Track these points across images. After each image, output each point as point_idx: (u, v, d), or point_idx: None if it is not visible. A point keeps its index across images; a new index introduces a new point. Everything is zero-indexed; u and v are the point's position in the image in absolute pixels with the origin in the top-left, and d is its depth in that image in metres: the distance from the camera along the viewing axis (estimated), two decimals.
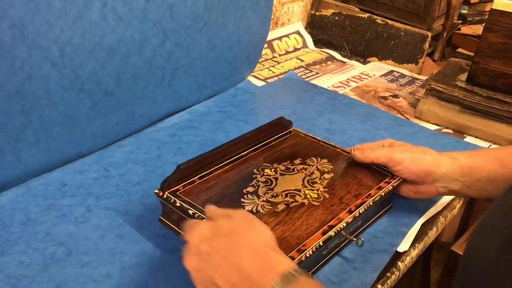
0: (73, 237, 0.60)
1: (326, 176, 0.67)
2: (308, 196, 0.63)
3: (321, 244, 0.55)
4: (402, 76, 1.19)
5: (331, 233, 0.56)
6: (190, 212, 0.58)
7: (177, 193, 0.61)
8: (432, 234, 0.70)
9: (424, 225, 0.69)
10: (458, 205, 0.76)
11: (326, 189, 0.64)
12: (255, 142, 0.73)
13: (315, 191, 0.64)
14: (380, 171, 0.68)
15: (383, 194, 0.64)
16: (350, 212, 0.60)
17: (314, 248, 0.54)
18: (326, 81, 1.12)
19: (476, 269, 0.47)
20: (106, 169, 0.73)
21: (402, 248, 0.64)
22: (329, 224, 0.58)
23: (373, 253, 0.62)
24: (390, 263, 0.62)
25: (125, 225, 0.63)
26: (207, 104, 0.94)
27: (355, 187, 0.65)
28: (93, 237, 0.61)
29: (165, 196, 0.60)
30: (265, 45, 1.18)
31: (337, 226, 0.57)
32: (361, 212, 0.61)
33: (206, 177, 0.65)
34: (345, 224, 0.58)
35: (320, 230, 0.56)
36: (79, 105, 0.69)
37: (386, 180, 0.66)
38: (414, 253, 0.66)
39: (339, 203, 0.62)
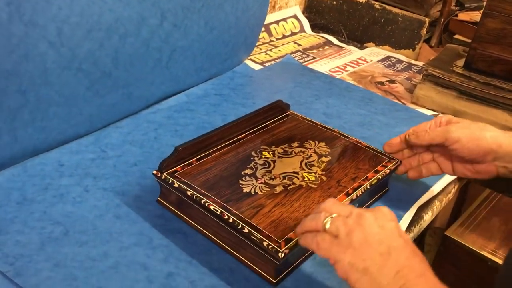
0: (70, 216, 0.60)
1: (324, 159, 0.67)
2: (306, 178, 0.63)
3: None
4: (399, 61, 1.18)
5: None
6: (189, 193, 0.58)
7: (175, 174, 0.61)
8: (428, 218, 0.71)
9: (419, 209, 0.69)
10: (453, 190, 0.77)
11: (323, 172, 0.64)
12: (253, 125, 0.72)
13: (313, 174, 0.64)
14: (377, 154, 0.69)
15: (380, 177, 0.64)
16: (348, 194, 0.60)
17: None
18: (323, 66, 1.12)
19: None
20: (103, 150, 0.73)
21: None
22: None
23: None
24: None
25: (123, 206, 0.63)
26: (204, 87, 0.93)
27: (353, 170, 0.65)
28: (91, 217, 0.61)
29: (163, 177, 0.60)
30: (262, 29, 1.17)
31: None
32: (358, 194, 0.61)
33: (204, 159, 0.65)
34: None
35: None
36: (76, 85, 0.69)
37: (383, 163, 0.67)
38: (410, 236, 0.66)
39: (337, 186, 0.62)
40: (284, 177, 0.63)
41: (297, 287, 0.54)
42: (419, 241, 1.21)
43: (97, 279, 0.52)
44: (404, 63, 1.18)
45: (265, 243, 0.51)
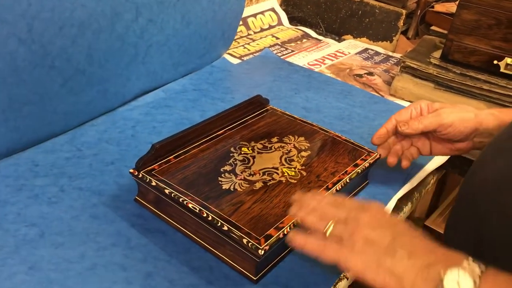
0: (46, 217, 0.59)
1: (303, 154, 0.67)
2: (286, 174, 0.63)
3: (298, 221, 0.55)
4: (377, 54, 1.19)
5: None
6: (167, 191, 0.57)
7: (153, 172, 0.60)
8: (407, 209, 0.71)
9: (399, 200, 0.70)
10: (432, 181, 0.78)
11: (303, 167, 0.64)
12: (231, 121, 0.72)
13: (292, 169, 0.64)
14: (356, 148, 0.69)
15: (359, 171, 0.64)
16: (328, 189, 0.60)
17: (292, 225, 0.54)
18: (301, 59, 1.11)
19: (478, 190, 0.51)
20: (79, 148, 0.72)
21: None
22: None
23: None
24: None
25: (100, 206, 0.62)
26: (182, 82, 0.92)
27: (332, 164, 0.65)
28: (67, 217, 0.59)
29: (140, 175, 0.59)
30: (240, 22, 1.16)
31: None
32: (338, 189, 0.61)
33: (182, 156, 0.64)
34: None
35: None
36: (50, 83, 0.67)
37: (363, 157, 0.67)
38: None
39: (316, 181, 0.62)
40: (263, 173, 0.62)
41: (277, 283, 0.54)
42: None
43: (74, 281, 0.51)
44: (382, 55, 1.18)
45: (244, 240, 0.51)
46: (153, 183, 0.58)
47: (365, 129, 0.84)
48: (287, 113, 0.76)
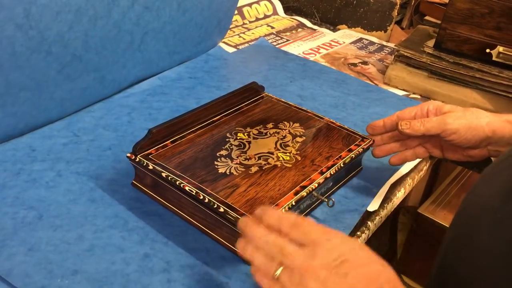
0: (44, 201, 0.60)
1: (298, 139, 0.68)
2: (281, 158, 0.63)
3: (294, 203, 0.56)
4: (371, 43, 1.20)
5: (303, 193, 0.57)
6: (163, 174, 0.58)
7: (150, 156, 0.61)
8: (400, 195, 0.72)
9: (392, 186, 0.71)
10: (425, 168, 0.79)
11: (298, 152, 0.65)
12: (227, 107, 0.73)
13: (288, 154, 0.64)
14: (350, 134, 0.70)
15: (353, 156, 0.65)
16: (322, 173, 0.61)
17: (286, 208, 0.55)
18: (296, 48, 1.12)
19: (474, 216, 0.48)
20: (76, 134, 0.72)
21: (372, 207, 0.65)
22: (301, 184, 0.59)
23: (343, 213, 0.63)
24: (360, 222, 0.64)
25: (97, 189, 0.63)
26: (178, 70, 0.93)
27: (326, 149, 0.66)
28: (65, 201, 0.60)
29: (137, 159, 0.60)
30: (235, 11, 1.16)
31: (309, 187, 0.58)
32: (332, 173, 0.62)
33: (179, 141, 0.64)
34: (316, 185, 0.59)
35: (293, 191, 0.57)
36: (46, 69, 0.67)
37: (357, 142, 0.68)
38: (383, 213, 0.68)
39: (311, 165, 0.63)
40: (259, 158, 0.63)
41: None
42: (392, 220, 1.24)
43: (72, 262, 0.52)
44: (376, 44, 1.19)
45: None
46: (150, 167, 0.59)
47: (358, 117, 0.85)
48: (282, 100, 0.77)
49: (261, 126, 0.70)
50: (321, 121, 0.72)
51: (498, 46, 0.89)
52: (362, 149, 0.67)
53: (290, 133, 0.69)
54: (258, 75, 0.96)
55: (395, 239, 1.26)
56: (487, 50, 0.90)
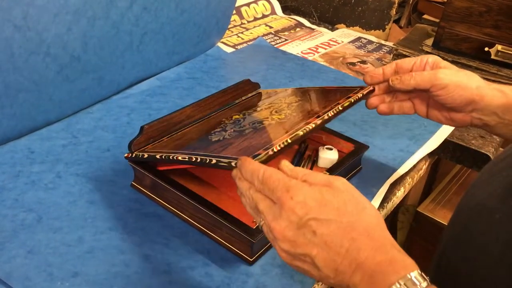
0: (43, 203, 0.59)
1: (294, 104, 0.65)
2: (276, 118, 0.61)
3: (289, 141, 0.52)
4: (370, 42, 1.19)
5: (299, 132, 0.53)
6: (158, 156, 0.56)
7: (145, 150, 0.60)
8: (400, 194, 0.72)
9: (392, 185, 0.71)
10: (424, 167, 0.79)
11: (294, 111, 0.62)
12: (223, 104, 0.72)
13: (283, 114, 0.62)
14: (349, 88, 0.66)
15: (352, 100, 0.62)
16: (318, 117, 0.57)
17: (281, 144, 0.51)
18: (295, 48, 1.12)
19: (473, 216, 0.48)
20: (75, 136, 0.72)
21: None
22: (296, 128, 0.55)
23: None
24: None
25: (96, 191, 0.62)
26: (177, 71, 0.92)
27: (323, 102, 0.63)
28: (64, 203, 0.60)
29: (133, 155, 0.59)
30: (234, 11, 1.16)
31: (305, 127, 0.54)
32: (330, 115, 0.57)
33: (174, 135, 0.64)
34: (313, 125, 0.55)
35: (288, 133, 0.53)
36: (45, 70, 0.67)
37: (355, 91, 0.64)
38: (383, 212, 0.68)
39: (307, 114, 0.59)
40: (253, 123, 0.61)
41: (273, 264, 0.55)
42: (392, 219, 1.24)
43: (72, 264, 0.52)
44: (375, 43, 1.19)
45: (233, 163, 0.48)
46: (145, 156, 0.58)
47: (358, 116, 0.85)
48: (278, 89, 0.76)
49: (256, 106, 0.68)
50: (317, 89, 0.71)
51: (496, 44, 0.89)
52: (361, 94, 0.63)
53: (285, 102, 0.67)
54: (257, 75, 0.96)
55: (394, 237, 1.26)
56: (486, 49, 0.90)
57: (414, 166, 0.76)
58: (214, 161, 0.50)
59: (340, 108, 0.59)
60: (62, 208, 0.59)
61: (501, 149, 0.81)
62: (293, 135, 0.52)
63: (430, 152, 0.79)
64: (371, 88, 0.65)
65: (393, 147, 0.77)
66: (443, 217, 1.08)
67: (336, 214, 0.40)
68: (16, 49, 0.62)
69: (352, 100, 0.62)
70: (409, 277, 0.37)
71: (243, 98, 0.75)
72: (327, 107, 0.60)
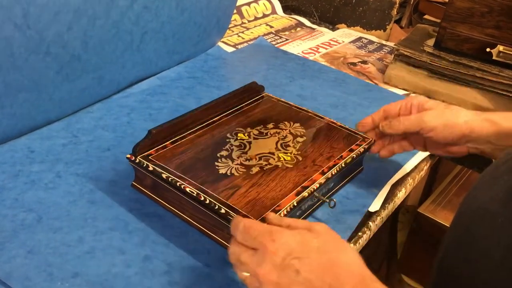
0: (43, 203, 0.59)
1: (299, 139, 0.67)
2: (282, 159, 0.63)
3: (295, 204, 0.56)
4: (371, 42, 1.19)
5: (305, 193, 0.57)
6: (164, 176, 0.57)
7: (149, 157, 0.60)
8: (401, 195, 0.72)
9: (393, 186, 0.70)
10: (425, 167, 0.78)
11: (299, 152, 0.65)
12: (227, 107, 0.72)
13: (288, 154, 0.64)
14: (351, 134, 0.69)
15: (354, 156, 0.65)
16: (323, 173, 0.61)
17: (288, 208, 0.55)
18: (295, 48, 1.12)
19: (474, 220, 0.48)
20: (75, 135, 0.72)
21: (373, 208, 0.65)
22: (302, 185, 0.58)
23: (345, 213, 0.63)
24: (362, 223, 0.64)
25: (97, 191, 0.62)
26: (177, 70, 0.92)
27: (327, 149, 0.66)
28: (64, 203, 0.60)
29: (137, 160, 0.60)
30: (234, 11, 1.16)
31: (310, 187, 0.58)
32: (333, 173, 0.61)
33: (179, 142, 0.64)
34: (318, 185, 0.59)
35: (294, 191, 0.57)
36: (45, 70, 0.67)
37: (358, 142, 0.67)
38: (384, 213, 0.67)
39: (312, 165, 0.62)
40: (260, 158, 0.63)
41: None
42: (392, 219, 1.24)
43: (72, 265, 0.52)
44: (376, 43, 1.19)
45: None
46: (150, 168, 0.58)
47: (359, 116, 0.84)
48: (282, 100, 0.77)
49: (262, 126, 0.69)
50: (321, 121, 0.72)
51: (498, 45, 0.88)
52: (363, 149, 0.67)
53: (290, 133, 0.69)
54: (258, 75, 0.95)
55: (395, 238, 1.26)
56: (487, 49, 0.89)
57: (415, 167, 0.76)
58: (223, 211, 0.53)
59: (343, 165, 0.63)
60: (62, 208, 0.59)
61: None
62: (299, 197, 0.56)
63: (432, 153, 0.78)
64: (371, 141, 0.68)
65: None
66: (443, 218, 1.08)
67: (317, 252, 0.42)
68: (16, 48, 0.61)
69: (355, 156, 0.65)
70: None
71: (247, 102, 0.74)
72: (331, 159, 0.63)
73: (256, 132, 0.68)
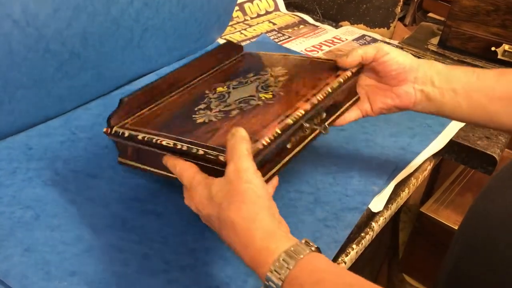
0: (40, 200, 0.59)
1: (281, 79, 0.62)
2: (263, 98, 0.58)
3: (279, 132, 0.50)
4: (374, 40, 1.18)
5: (289, 120, 0.52)
6: (139, 137, 0.54)
7: (125, 126, 0.57)
8: (404, 195, 0.71)
9: (396, 186, 0.70)
10: (429, 167, 0.78)
11: (281, 89, 0.60)
12: (206, 69, 0.69)
13: (270, 93, 0.59)
14: (337, 65, 0.63)
15: (341, 80, 0.59)
16: (307, 100, 0.55)
17: (272, 137, 0.50)
18: (298, 45, 1.11)
19: (494, 226, 0.46)
20: (73, 132, 0.71)
21: (376, 208, 0.64)
22: (286, 114, 0.53)
23: (344, 211, 0.62)
24: (364, 223, 0.63)
25: (95, 188, 0.62)
26: (177, 67, 0.91)
27: (312, 80, 0.60)
28: (62, 200, 0.59)
29: (113, 132, 0.57)
30: (237, 8, 1.15)
31: (294, 114, 0.53)
32: (319, 99, 0.56)
33: (155, 108, 0.61)
34: (303, 112, 0.54)
35: (277, 120, 0.52)
36: (44, 67, 0.66)
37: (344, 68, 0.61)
38: (387, 213, 0.67)
39: (296, 96, 0.57)
40: (239, 102, 0.58)
41: None
42: (394, 219, 1.23)
43: (70, 263, 0.51)
44: (379, 41, 1.18)
45: (221, 157, 0.47)
46: (126, 134, 0.55)
47: None
48: (267, 53, 0.73)
49: (241, 77, 0.65)
50: (305, 59, 0.67)
51: (503, 44, 0.88)
52: (351, 73, 0.60)
53: (271, 75, 0.64)
54: None
55: (396, 238, 1.25)
56: (493, 48, 0.89)
57: (419, 167, 0.75)
58: (201, 151, 0.49)
59: (330, 90, 0.57)
60: (60, 206, 0.58)
61: (507, 150, 0.80)
62: (282, 124, 0.51)
63: (435, 153, 0.77)
64: (361, 66, 0.62)
65: (394, 145, 0.76)
66: (446, 217, 1.07)
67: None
68: (15, 45, 0.61)
69: (342, 80, 0.59)
70: (277, 263, 0.40)
71: (226, 62, 0.71)
72: (316, 87, 0.57)
73: (235, 83, 0.64)
